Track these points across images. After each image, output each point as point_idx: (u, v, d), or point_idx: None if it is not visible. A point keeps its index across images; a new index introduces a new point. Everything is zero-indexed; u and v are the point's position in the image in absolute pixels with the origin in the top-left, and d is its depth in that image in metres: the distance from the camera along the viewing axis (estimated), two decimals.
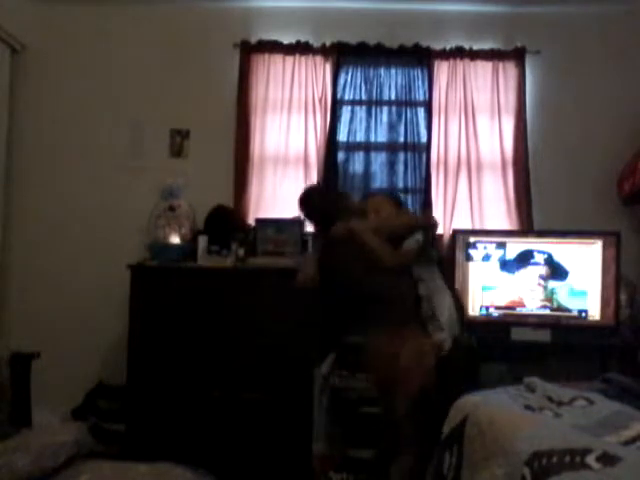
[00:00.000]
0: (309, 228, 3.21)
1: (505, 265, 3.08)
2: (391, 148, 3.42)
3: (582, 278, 3.03)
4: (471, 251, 3.09)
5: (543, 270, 3.06)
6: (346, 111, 3.44)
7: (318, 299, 2.76)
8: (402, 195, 3.29)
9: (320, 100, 3.40)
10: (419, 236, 2.55)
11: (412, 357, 2.29)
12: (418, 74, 3.43)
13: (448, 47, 3.40)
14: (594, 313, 3.01)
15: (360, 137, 3.43)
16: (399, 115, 3.42)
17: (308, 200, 2.73)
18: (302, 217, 2.90)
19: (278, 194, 3.40)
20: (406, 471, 2.29)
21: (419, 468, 2.23)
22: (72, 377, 3.24)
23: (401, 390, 2.28)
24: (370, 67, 3.44)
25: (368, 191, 3.33)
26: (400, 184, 3.39)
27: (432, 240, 2.60)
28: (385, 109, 3.44)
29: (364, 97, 3.44)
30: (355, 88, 3.43)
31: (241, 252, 3.05)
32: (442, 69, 3.41)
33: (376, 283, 2.41)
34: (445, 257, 3.08)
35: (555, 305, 3.05)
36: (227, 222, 3.20)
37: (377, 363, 2.39)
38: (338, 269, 2.51)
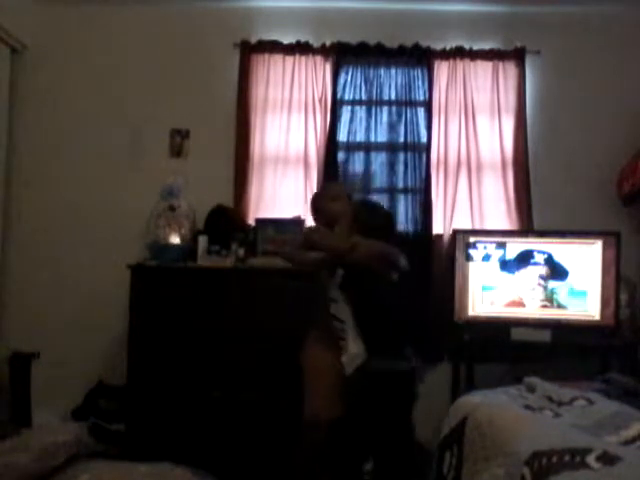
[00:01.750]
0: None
1: (505, 265, 3.07)
2: (391, 148, 3.41)
3: (582, 278, 3.03)
4: (471, 251, 3.09)
5: (543, 270, 3.06)
6: (346, 111, 3.44)
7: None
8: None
9: (320, 100, 3.40)
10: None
11: (319, 360, 2.43)
12: (418, 74, 3.42)
13: (448, 47, 3.40)
14: (594, 313, 3.01)
15: (360, 137, 3.43)
16: (399, 115, 3.42)
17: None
18: None
19: (278, 194, 3.40)
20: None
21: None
22: (72, 377, 3.24)
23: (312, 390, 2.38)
24: (370, 67, 3.43)
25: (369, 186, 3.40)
26: (400, 184, 3.38)
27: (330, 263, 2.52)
28: (385, 109, 3.43)
29: (364, 97, 3.43)
30: (355, 88, 3.43)
31: (241, 252, 3.05)
32: (442, 69, 3.41)
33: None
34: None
35: (555, 305, 3.05)
36: (227, 222, 3.20)
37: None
38: None
